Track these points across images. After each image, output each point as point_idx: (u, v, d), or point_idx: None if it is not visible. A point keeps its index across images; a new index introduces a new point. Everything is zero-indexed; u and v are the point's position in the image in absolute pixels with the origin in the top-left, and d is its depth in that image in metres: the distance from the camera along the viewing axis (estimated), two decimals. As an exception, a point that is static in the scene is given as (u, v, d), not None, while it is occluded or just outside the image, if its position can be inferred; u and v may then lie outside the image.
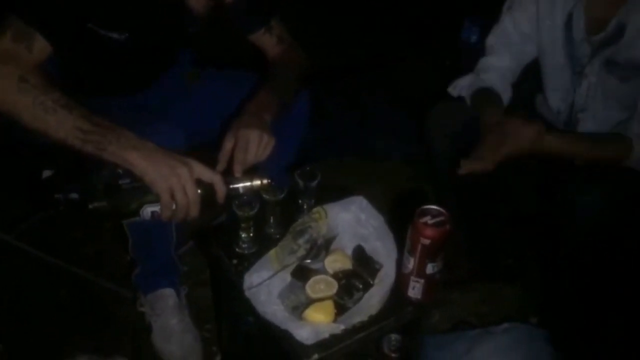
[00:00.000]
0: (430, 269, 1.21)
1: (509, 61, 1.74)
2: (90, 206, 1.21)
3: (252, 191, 1.32)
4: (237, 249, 1.37)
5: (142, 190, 1.22)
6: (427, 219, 1.18)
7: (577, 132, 1.62)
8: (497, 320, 1.80)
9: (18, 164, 1.54)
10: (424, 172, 2.09)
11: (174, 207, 1.23)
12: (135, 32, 1.44)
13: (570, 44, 1.59)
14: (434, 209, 1.20)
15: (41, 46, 1.29)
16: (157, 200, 1.22)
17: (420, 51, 2.74)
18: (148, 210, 1.24)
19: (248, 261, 1.34)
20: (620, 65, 1.53)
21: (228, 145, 1.35)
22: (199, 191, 1.24)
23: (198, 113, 1.69)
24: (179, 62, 1.76)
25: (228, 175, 1.31)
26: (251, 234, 1.36)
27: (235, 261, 1.35)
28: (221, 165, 1.35)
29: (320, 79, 1.69)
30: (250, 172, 1.34)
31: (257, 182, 1.31)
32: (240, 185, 1.31)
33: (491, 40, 1.78)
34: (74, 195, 1.40)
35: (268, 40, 1.67)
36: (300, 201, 1.43)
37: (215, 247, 1.40)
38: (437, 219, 1.18)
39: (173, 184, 1.21)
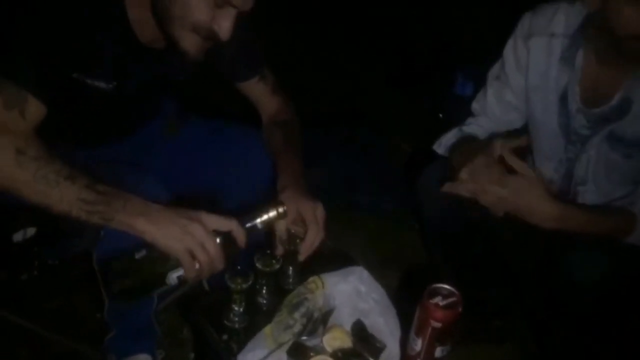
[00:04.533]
0: (439, 352, 1.14)
1: (493, 126, 1.69)
2: (114, 290, 1.15)
3: (269, 223, 1.24)
4: (226, 322, 1.27)
5: (162, 258, 1.14)
6: (439, 300, 1.11)
7: (578, 205, 1.56)
8: (489, 385, 1.74)
9: None
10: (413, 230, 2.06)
11: (197, 266, 1.15)
12: (122, 81, 1.35)
13: (565, 115, 1.51)
14: (445, 288, 1.13)
15: (34, 110, 1.20)
16: (178, 264, 1.15)
17: (412, 102, 2.71)
18: (174, 277, 1.16)
19: (239, 336, 1.25)
20: (624, 142, 1.45)
21: (283, 227, 1.31)
22: (218, 241, 1.16)
23: (181, 165, 1.60)
24: (163, 111, 1.67)
25: (239, 215, 1.22)
26: (242, 307, 1.27)
27: (225, 336, 1.26)
28: (280, 249, 1.32)
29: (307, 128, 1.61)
30: (261, 205, 1.26)
31: (274, 213, 1.23)
32: (258, 221, 1.22)
33: (475, 106, 1.72)
34: (53, 261, 1.32)
35: (263, 89, 1.59)
36: (284, 267, 1.36)
37: (202, 320, 1.30)
38: (449, 300, 1.11)
39: (189, 244, 1.13)
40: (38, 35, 1.20)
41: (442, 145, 1.69)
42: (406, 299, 1.30)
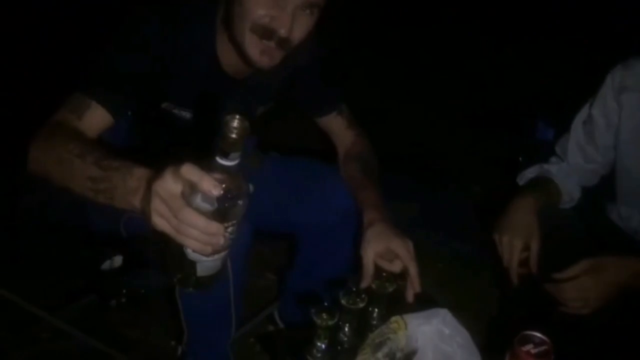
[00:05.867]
0: (528, 401, 1.11)
1: (572, 172, 1.67)
2: (188, 290, 1.03)
3: (233, 149, 0.90)
4: (309, 357, 1.27)
5: None
6: (530, 348, 1.09)
7: None
8: None
9: (73, 249, 1.47)
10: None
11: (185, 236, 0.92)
12: (207, 111, 1.40)
13: None
14: (536, 336, 1.11)
15: (95, 116, 1.25)
16: None
17: (490, 145, 2.73)
18: (189, 252, 0.96)
19: (321, 373, 1.25)
20: None
21: (370, 261, 1.32)
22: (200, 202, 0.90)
23: (262, 198, 1.62)
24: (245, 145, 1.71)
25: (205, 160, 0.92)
26: (326, 343, 1.27)
27: (307, 372, 1.26)
28: (366, 282, 1.31)
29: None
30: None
31: (231, 133, 0.89)
32: (218, 158, 0.90)
33: (557, 149, 1.71)
34: (140, 290, 1.35)
35: (339, 123, 1.63)
36: (370, 308, 1.35)
37: (283, 354, 1.31)
38: (541, 349, 1.09)
39: (158, 209, 0.92)
40: (131, 65, 1.28)
41: (524, 178, 1.69)
42: (486, 345, 1.29)
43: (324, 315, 1.23)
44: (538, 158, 1.75)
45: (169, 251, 0.98)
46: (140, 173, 1.00)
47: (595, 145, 1.61)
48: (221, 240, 0.91)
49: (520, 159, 1.90)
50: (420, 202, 2.38)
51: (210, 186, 0.87)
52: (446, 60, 3.71)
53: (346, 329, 1.32)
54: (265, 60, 1.28)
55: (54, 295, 1.72)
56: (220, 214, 0.91)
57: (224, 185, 0.89)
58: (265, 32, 1.23)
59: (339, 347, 1.30)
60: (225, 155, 0.90)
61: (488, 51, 3.73)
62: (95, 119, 1.26)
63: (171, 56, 1.31)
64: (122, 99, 1.28)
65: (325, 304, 1.23)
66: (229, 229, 0.93)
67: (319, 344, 1.27)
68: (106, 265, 1.42)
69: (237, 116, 0.88)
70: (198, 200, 0.90)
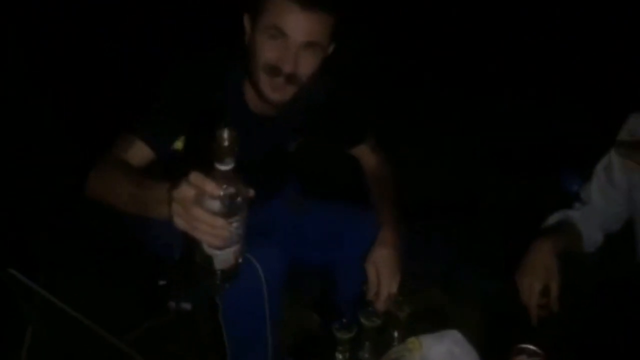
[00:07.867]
0: (526, 410, 1.21)
1: (596, 216, 1.74)
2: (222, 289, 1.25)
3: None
4: (331, 370, 1.42)
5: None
6: (524, 358, 1.20)
7: None
8: None
9: (140, 271, 1.65)
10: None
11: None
12: (242, 148, 1.58)
13: None
14: (530, 348, 1.22)
15: (137, 151, 1.47)
16: None
17: (520, 194, 2.82)
18: (204, 247, 1.11)
19: (342, 383, 1.39)
20: None
21: (374, 275, 1.59)
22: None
23: (301, 240, 1.79)
24: (285, 192, 1.91)
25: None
26: (346, 357, 1.41)
27: (330, 381, 1.40)
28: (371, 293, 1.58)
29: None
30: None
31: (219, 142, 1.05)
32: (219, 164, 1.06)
33: (582, 195, 1.80)
34: (186, 305, 1.52)
35: (364, 148, 1.87)
36: (389, 330, 1.50)
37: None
38: (533, 359, 1.20)
39: (175, 210, 1.09)
40: (174, 111, 1.51)
41: (546, 223, 1.77)
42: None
43: (344, 331, 1.39)
44: (562, 207, 1.85)
45: (196, 252, 1.13)
46: (165, 186, 1.15)
47: (615, 187, 1.71)
48: (227, 233, 1.07)
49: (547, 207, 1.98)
50: (449, 245, 2.49)
51: (212, 188, 1.05)
52: (470, 108, 3.79)
53: (366, 346, 1.46)
54: (277, 96, 1.50)
55: (117, 317, 1.92)
56: (224, 210, 1.06)
57: (224, 187, 1.06)
58: (273, 70, 1.46)
59: (359, 363, 1.45)
60: (221, 161, 1.05)
61: (514, 98, 3.81)
62: (138, 153, 1.48)
63: (207, 100, 1.54)
64: (164, 134, 1.50)
65: (344, 320, 1.39)
66: (234, 224, 1.08)
67: (340, 356, 1.41)
68: (163, 281, 1.60)
69: (226, 128, 1.05)
70: (205, 200, 1.06)
